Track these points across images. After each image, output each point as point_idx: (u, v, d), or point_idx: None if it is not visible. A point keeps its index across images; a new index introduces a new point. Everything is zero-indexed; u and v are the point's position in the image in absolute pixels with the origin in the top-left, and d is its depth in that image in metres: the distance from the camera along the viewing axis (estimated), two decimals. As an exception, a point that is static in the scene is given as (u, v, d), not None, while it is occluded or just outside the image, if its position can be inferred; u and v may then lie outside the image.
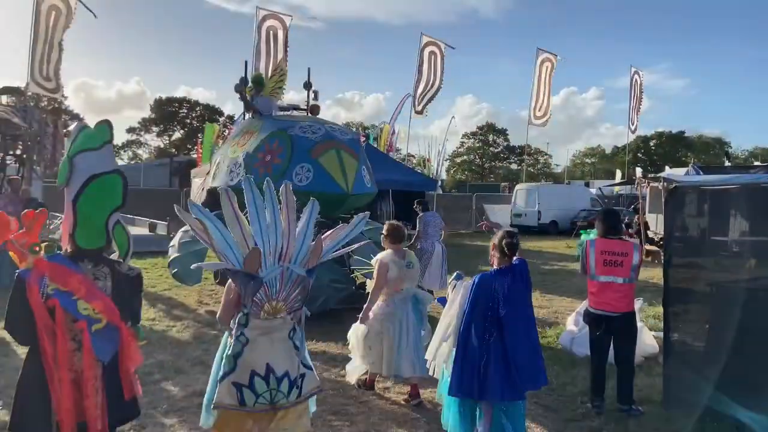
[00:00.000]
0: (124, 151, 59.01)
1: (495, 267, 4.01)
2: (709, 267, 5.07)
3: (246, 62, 10.57)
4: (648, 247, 14.95)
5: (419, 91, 24.79)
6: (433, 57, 24.82)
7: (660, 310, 5.93)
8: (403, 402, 5.01)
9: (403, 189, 17.69)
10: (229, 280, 3.07)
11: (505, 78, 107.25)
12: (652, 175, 21.51)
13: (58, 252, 2.73)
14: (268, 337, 3.03)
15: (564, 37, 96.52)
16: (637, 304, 6.41)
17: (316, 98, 10.49)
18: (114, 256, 2.89)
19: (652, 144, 63.44)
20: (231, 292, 3.11)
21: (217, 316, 3.35)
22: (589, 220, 21.34)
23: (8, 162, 10.38)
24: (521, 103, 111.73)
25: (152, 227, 12.58)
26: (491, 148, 66.25)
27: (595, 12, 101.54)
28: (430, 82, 24.91)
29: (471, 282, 3.94)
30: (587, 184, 35.21)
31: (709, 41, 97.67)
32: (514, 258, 3.96)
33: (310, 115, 9.77)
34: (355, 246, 3.68)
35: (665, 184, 6.25)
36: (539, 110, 28.70)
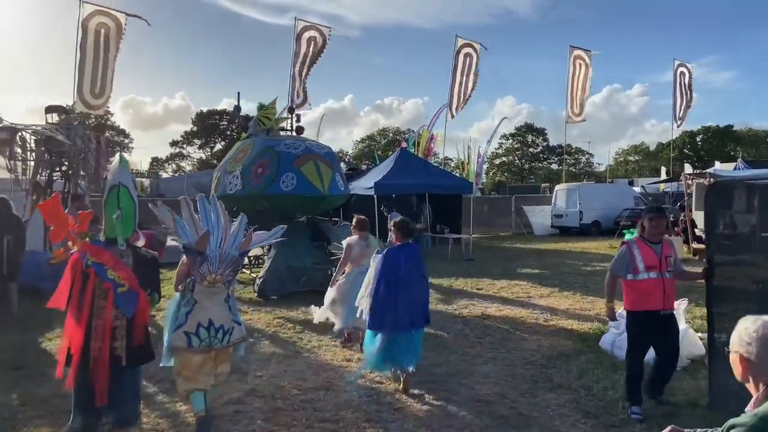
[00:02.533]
0: (168, 164, 60.72)
1: (396, 243, 5.62)
2: (760, 264, 4.83)
3: (239, 93, 14.66)
4: (695, 245, 14.44)
5: (455, 93, 24.63)
6: (468, 59, 24.63)
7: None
8: (435, 407, 4.94)
9: (440, 192, 17.62)
10: (183, 258, 4.23)
11: (544, 77, 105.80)
12: (699, 171, 20.76)
13: (97, 238, 3.77)
14: (210, 300, 4.18)
15: (603, 34, 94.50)
16: (683, 304, 6.17)
17: (298, 121, 12.38)
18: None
19: (698, 139, 61.31)
20: (184, 266, 4.23)
21: (173, 283, 4.42)
22: (633, 219, 20.82)
23: (55, 178, 10.75)
24: (561, 102, 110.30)
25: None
26: (530, 149, 65.29)
27: (634, 6, 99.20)
28: (465, 84, 24.72)
29: (382, 255, 5.50)
30: (631, 183, 34.29)
31: (756, 31, 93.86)
32: (410, 239, 5.65)
33: (294, 134, 11.83)
34: (270, 241, 4.91)
35: (710, 180, 6.05)
36: (576, 108, 28.17)
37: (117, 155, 3.91)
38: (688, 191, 16.40)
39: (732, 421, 1.87)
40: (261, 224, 5.22)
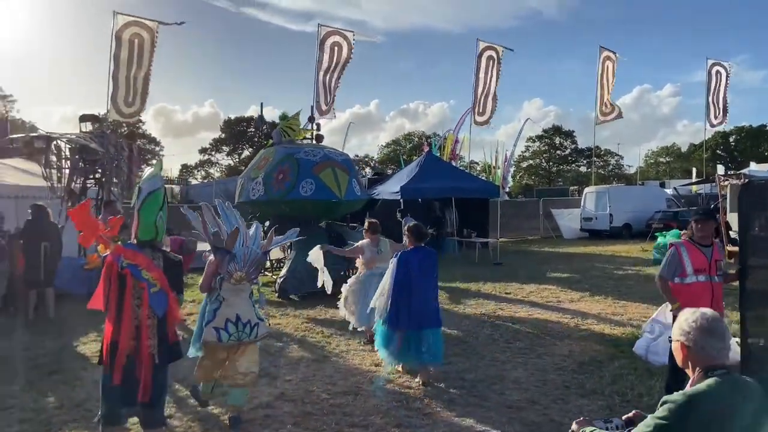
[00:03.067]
0: (197, 171, 61.64)
1: (410, 246, 5.86)
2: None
3: (261, 103, 14.78)
4: (730, 248, 14.06)
5: (478, 97, 24.49)
6: (490, 62, 24.47)
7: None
8: (465, 413, 4.88)
9: (466, 196, 17.51)
10: (210, 259, 4.55)
11: (572, 79, 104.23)
12: (733, 172, 20.25)
13: (129, 242, 3.88)
14: (236, 296, 4.47)
15: (633, 34, 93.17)
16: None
17: (318, 129, 12.97)
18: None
19: (731, 140, 59.85)
20: (211, 266, 4.51)
21: (199, 285, 4.74)
22: (666, 222, 20.37)
23: (88, 185, 10.99)
24: (590, 104, 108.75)
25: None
26: (558, 151, 64.53)
27: (663, 6, 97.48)
28: (488, 88, 24.54)
29: (396, 258, 5.78)
30: (662, 184, 33.60)
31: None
32: (422, 243, 5.85)
33: (315, 142, 12.40)
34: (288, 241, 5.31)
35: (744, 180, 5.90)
36: (605, 109, 27.78)
37: (155, 161, 4.26)
38: (722, 193, 16.00)
39: (665, 397, 2.17)
40: (282, 228, 5.56)
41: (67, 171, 10.64)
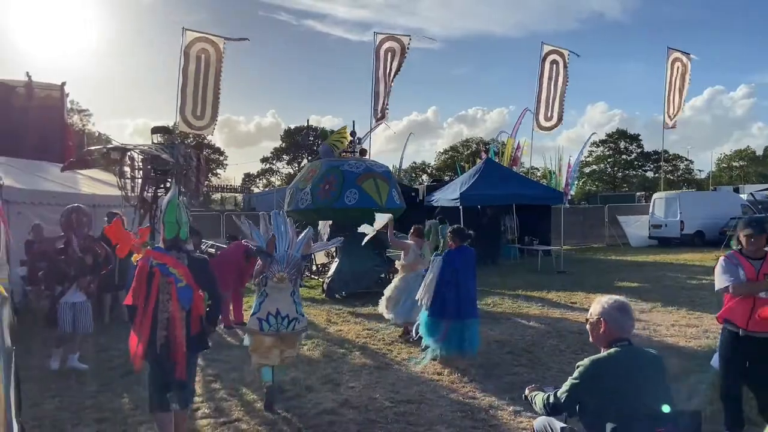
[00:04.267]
0: (259, 179, 63.21)
1: (453, 247, 6.68)
2: None
3: (308, 119, 14.02)
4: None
5: (542, 102, 24.04)
6: (554, 66, 23.98)
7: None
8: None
9: (528, 203, 17.15)
10: (259, 261, 5.35)
11: (638, 82, 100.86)
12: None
13: (158, 246, 4.31)
14: (279, 293, 5.14)
15: (701, 34, 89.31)
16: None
17: (360, 143, 14.17)
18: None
19: (814, 141, 56.10)
20: (259, 266, 5.34)
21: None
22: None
23: (159, 194, 11.42)
24: (657, 108, 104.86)
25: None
26: (623, 156, 62.32)
27: (733, 4, 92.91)
28: (553, 92, 24.05)
29: (442, 257, 6.67)
30: (736, 190, 31.87)
31: None
32: (465, 243, 6.70)
33: (358, 155, 13.60)
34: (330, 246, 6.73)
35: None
36: (673, 113, 26.67)
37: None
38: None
39: (579, 363, 2.82)
40: (332, 234, 6.31)
41: (140, 180, 11.09)
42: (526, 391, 3.22)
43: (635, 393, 2.71)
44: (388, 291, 8.07)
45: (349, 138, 13.58)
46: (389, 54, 22.54)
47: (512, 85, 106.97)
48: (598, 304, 2.94)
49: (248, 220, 5.38)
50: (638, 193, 41.48)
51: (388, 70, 22.54)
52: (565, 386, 2.85)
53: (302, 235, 5.41)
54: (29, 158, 12.80)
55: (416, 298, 6.95)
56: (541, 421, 3.29)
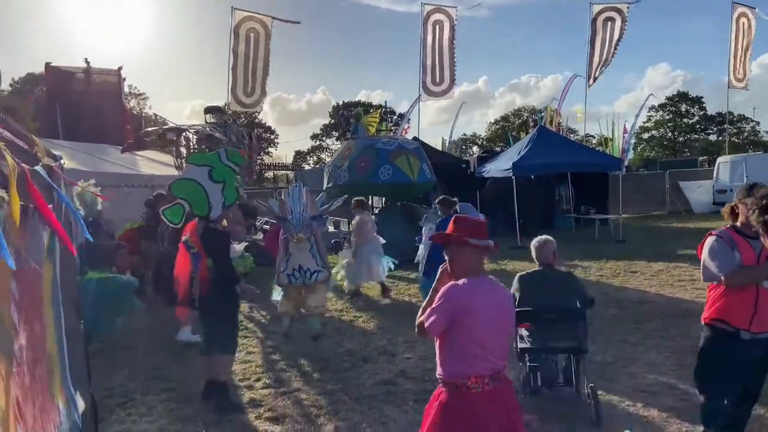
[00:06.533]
0: (309, 157, 63.86)
1: (443, 215, 7.16)
2: None
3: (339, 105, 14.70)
4: None
5: (594, 64, 23.09)
6: (609, 24, 22.85)
7: None
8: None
9: (584, 171, 16.63)
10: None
11: (703, 40, 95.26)
12: None
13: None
14: (300, 252, 6.45)
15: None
16: None
17: (397, 125, 15.21)
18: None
19: None
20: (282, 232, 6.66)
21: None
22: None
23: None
24: (723, 68, 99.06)
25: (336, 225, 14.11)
26: (684, 120, 59.51)
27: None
28: (605, 53, 22.97)
29: (436, 225, 7.08)
30: (809, 150, 29.98)
31: None
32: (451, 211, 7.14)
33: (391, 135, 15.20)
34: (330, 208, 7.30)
35: None
36: (738, 72, 25.13)
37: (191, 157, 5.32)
38: None
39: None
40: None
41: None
42: None
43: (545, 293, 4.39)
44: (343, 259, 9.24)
45: (378, 120, 14.61)
46: (437, 26, 22.13)
47: (566, 51, 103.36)
48: (533, 249, 4.62)
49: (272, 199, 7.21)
50: (700, 158, 39.67)
51: (437, 42, 22.14)
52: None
53: (316, 198, 6.70)
54: (89, 142, 13.30)
55: (415, 262, 8.73)
56: None
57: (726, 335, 3.42)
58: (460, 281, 2.63)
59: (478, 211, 15.07)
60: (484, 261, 2.80)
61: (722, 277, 3.35)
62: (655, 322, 6.82)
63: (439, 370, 2.69)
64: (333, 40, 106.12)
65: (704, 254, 3.47)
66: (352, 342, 6.49)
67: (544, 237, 4.57)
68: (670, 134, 59.77)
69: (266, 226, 13.07)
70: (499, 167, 15.65)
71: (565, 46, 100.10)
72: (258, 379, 5.41)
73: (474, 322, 2.53)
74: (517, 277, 4.52)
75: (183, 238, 4.83)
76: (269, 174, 46.83)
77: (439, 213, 7.54)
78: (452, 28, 22.25)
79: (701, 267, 3.52)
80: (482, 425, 2.52)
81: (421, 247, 8.28)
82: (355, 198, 9.50)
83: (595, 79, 23.33)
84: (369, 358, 5.91)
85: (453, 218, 2.84)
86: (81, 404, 2.33)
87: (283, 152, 59.70)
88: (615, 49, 22.83)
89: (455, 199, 7.62)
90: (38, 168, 1.71)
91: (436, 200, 7.77)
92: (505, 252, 11.74)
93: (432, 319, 2.60)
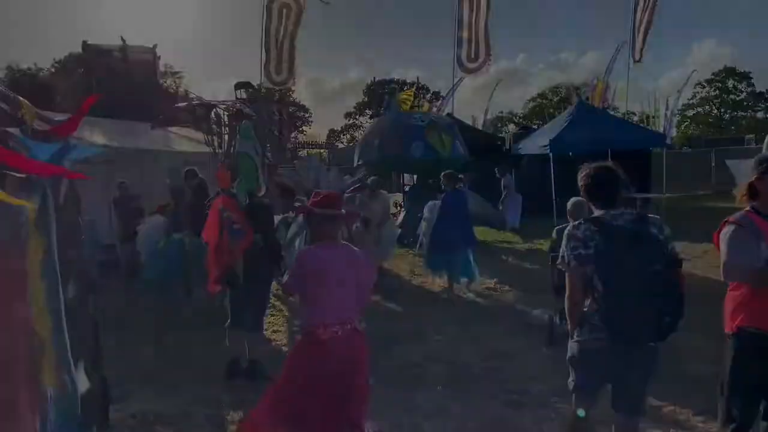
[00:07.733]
0: (343, 135, 63.79)
1: (449, 190, 7.59)
2: None
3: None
4: None
5: (638, 38, 22.10)
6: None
7: None
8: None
9: (626, 148, 15.98)
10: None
11: (753, 15, 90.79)
12: None
13: (232, 192, 4.81)
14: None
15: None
16: None
17: (436, 101, 15.96)
18: None
19: None
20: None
21: None
22: None
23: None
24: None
25: None
26: (731, 96, 57.06)
27: None
28: (645, 22, 21.91)
29: (441, 199, 7.64)
30: None
31: None
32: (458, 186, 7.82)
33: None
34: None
35: None
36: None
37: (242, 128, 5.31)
38: None
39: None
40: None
41: (227, 136, 11.30)
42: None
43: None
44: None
45: (412, 97, 14.96)
46: (474, 2, 21.48)
47: (609, 25, 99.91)
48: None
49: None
50: (748, 136, 38.03)
51: (474, 14, 21.51)
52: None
53: (331, 174, 7.25)
54: (125, 119, 13.39)
55: (418, 233, 8.99)
56: None
57: (757, 341, 2.84)
58: (313, 246, 3.20)
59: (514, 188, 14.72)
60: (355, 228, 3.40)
61: (749, 274, 2.83)
62: (702, 305, 6.41)
63: (300, 321, 3.31)
64: (367, 19, 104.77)
65: (723, 248, 2.90)
66: (381, 323, 6.32)
67: (579, 198, 4.37)
68: (715, 111, 57.49)
69: (297, 204, 13.04)
70: (536, 144, 15.17)
71: (607, 20, 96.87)
72: (284, 359, 5.28)
73: (320, 281, 2.98)
74: (557, 230, 5.12)
75: (224, 215, 4.67)
76: (303, 152, 47.03)
77: (443, 187, 7.72)
78: (488, 3, 21.57)
79: (721, 264, 2.91)
80: (327, 363, 2.95)
81: (423, 223, 8.32)
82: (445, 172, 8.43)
83: (640, 52, 22.31)
84: (398, 339, 5.72)
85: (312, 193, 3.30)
86: (83, 386, 2.18)
87: (317, 131, 59.70)
88: (650, 16, 21.75)
89: (461, 175, 7.78)
90: (11, 129, 1.55)
91: (443, 174, 7.80)
92: (539, 231, 11.39)
93: (288, 280, 3.21)
